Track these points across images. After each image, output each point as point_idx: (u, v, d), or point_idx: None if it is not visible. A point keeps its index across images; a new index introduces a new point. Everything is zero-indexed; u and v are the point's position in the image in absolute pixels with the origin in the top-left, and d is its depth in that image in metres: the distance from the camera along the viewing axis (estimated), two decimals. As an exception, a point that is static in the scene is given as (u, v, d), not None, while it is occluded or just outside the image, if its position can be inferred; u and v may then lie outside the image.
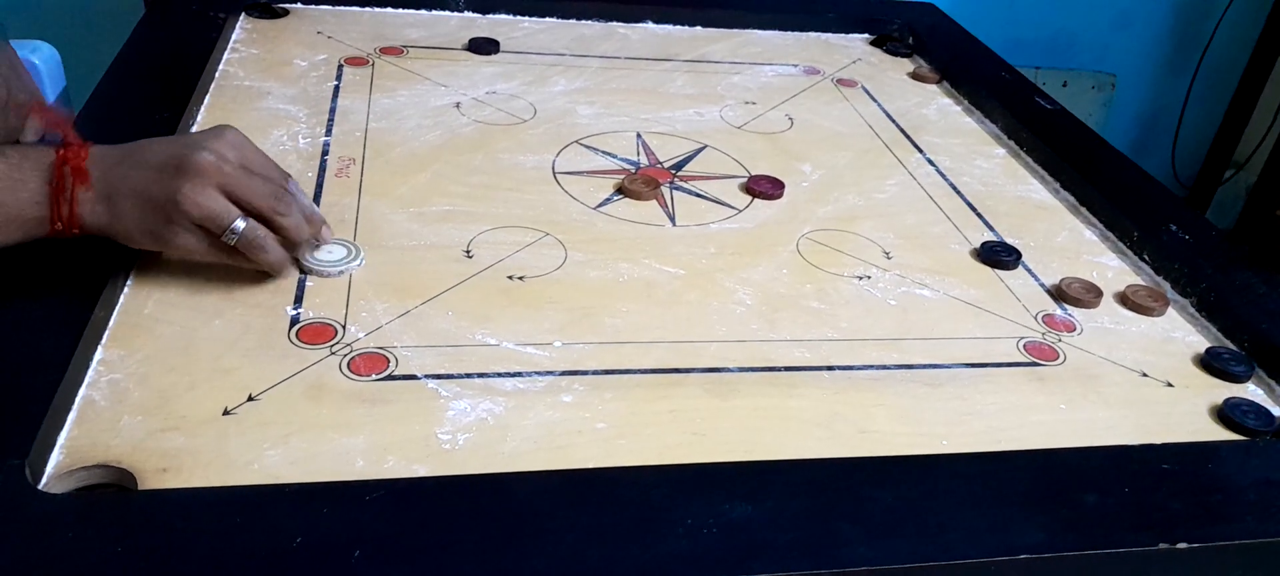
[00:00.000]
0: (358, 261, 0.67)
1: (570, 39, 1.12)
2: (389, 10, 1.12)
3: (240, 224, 0.60)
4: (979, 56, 1.17)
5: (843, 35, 1.24)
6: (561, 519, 0.47)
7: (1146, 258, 0.79)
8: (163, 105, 0.81)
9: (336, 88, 0.93)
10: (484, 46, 1.05)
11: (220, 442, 0.51)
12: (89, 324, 0.56)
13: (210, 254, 0.61)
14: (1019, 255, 0.78)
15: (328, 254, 0.67)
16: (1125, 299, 0.74)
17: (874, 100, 1.06)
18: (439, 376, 0.58)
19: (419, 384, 0.57)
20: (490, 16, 1.15)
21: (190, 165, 0.58)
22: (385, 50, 1.02)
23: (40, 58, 0.98)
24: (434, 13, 1.13)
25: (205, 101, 0.87)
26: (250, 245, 0.61)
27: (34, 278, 0.59)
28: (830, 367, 0.63)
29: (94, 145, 0.59)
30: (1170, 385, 0.66)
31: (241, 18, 1.05)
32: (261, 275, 0.64)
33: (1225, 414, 0.62)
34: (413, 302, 0.64)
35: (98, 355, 0.56)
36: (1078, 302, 0.73)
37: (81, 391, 0.54)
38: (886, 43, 1.22)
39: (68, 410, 0.52)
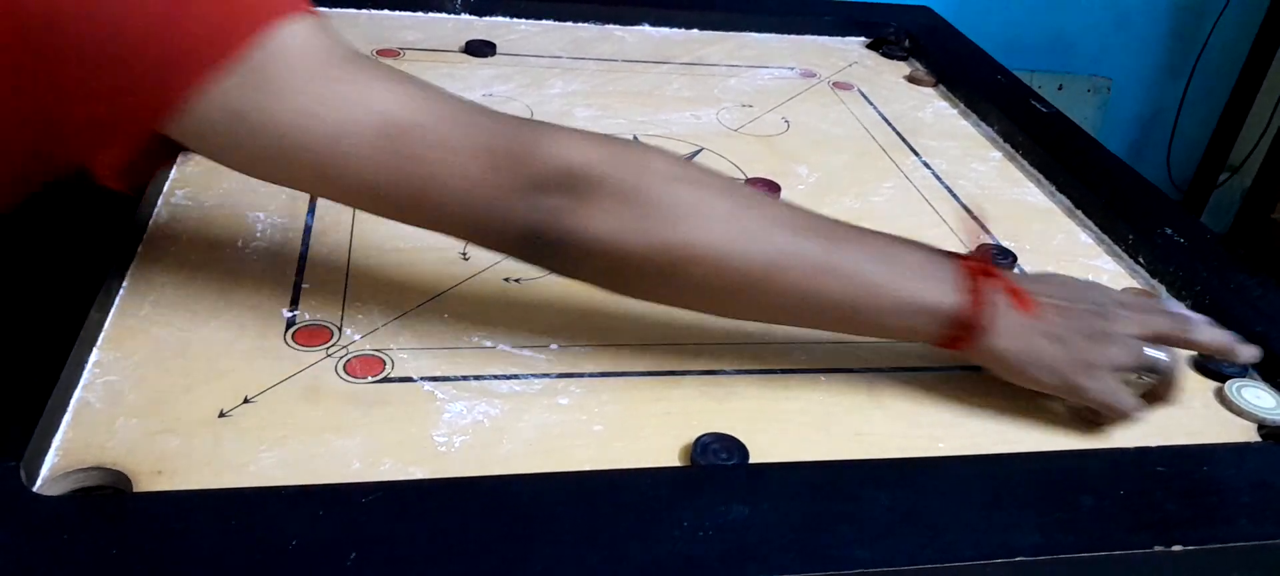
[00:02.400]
0: None
1: (567, 41, 1.12)
2: (385, 12, 1.12)
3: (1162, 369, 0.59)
4: (975, 60, 1.18)
5: (839, 38, 1.24)
6: (558, 521, 0.47)
7: (1142, 260, 0.79)
8: (159, 107, 0.81)
9: (333, 90, 0.93)
10: (481, 49, 1.05)
11: (216, 445, 0.51)
12: (84, 326, 0.56)
13: (1106, 403, 0.58)
14: (1015, 258, 0.78)
15: (1256, 397, 0.63)
16: None
17: (870, 103, 1.06)
18: (435, 379, 0.58)
19: (415, 386, 0.57)
20: (487, 19, 1.15)
21: (1109, 322, 0.57)
22: (382, 52, 1.02)
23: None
24: (430, 15, 1.13)
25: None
26: (1165, 387, 0.59)
27: (29, 279, 0.59)
28: (826, 370, 0.63)
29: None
30: (1166, 387, 0.66)
31: (238, 20, 1.05)
32: (259, 277, 0.64)
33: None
34: (409, 305, 0.64)
35: (93, 357, 0.56)
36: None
37: (77, 393, 0.54)
38: (882, 46, 1.22)
39: (63, 412, 0.52)
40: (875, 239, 0.59)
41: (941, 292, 0.56)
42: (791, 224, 0.57)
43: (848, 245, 0.57)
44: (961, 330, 0.56)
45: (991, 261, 0.61)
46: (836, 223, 0.59)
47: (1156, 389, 0.60)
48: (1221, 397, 0.65)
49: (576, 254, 0.54)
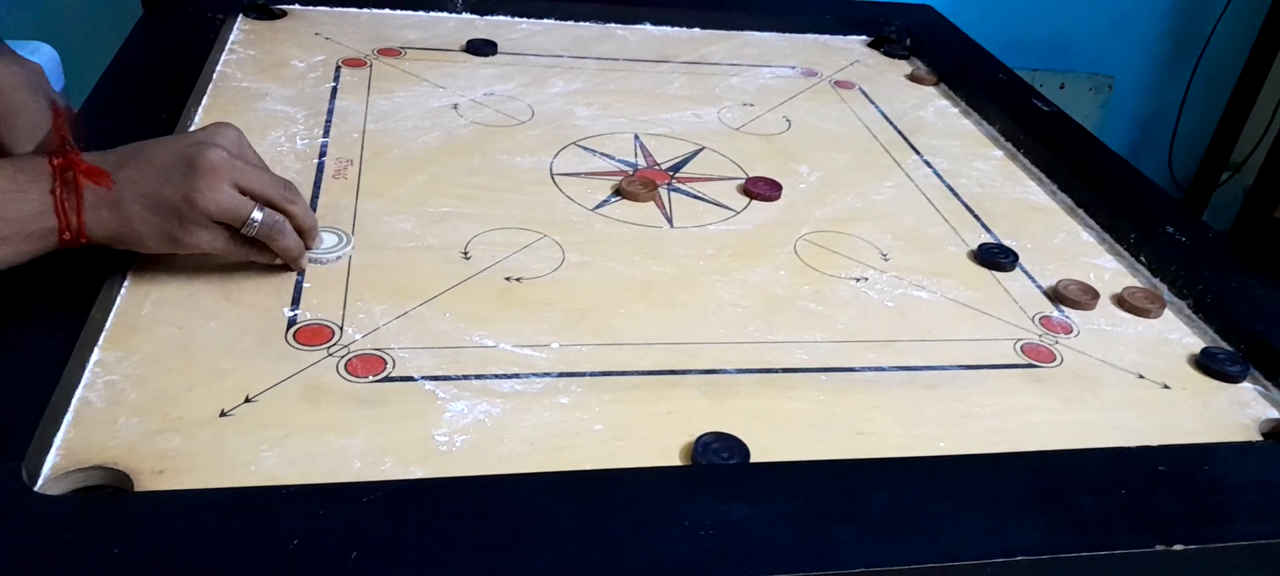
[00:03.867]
0: (349, 247, 0.69)
1: (568, 40, 1.12)
2: (387, 11, 1.12)
3: (258, 215, 0.61)
4: (976, 58, 1.17)
5: (840, 37, 1.24)
6: (559, 520, 0.47)
7: (1143, 259, 0.79)
8: (161, 106, 0.81)
9: (334, 89, 0.93)
10: (482, 48, 1.05)
11: (217, 444, 0.51)
12: (86, 325, 0.56)
13: (228, 249, 0.61)
14: (1016, 257, 0.78)
15: (319, 244, 0.68)
16: (1122, 301, 0.74)
17: (872, 102, 1.06)
18: (436, 378, 0.58)
19: (416, 385, 0.57)
20: (488, 18, 1.15)
21: (201, 163, 0.59)
22: (383, 51, 1.02)
23: (40, 58, 0.98)
24: (432, 14, 1.13)
25: (203, 103, 0.87)
26: (270, 233, 0.62)
27: (31, 279, 0.59)
28: (827, 369, 0.63)
29: (89, 152, 0.59)
30: (1166, 387, 0.66)
31: (239, 19, 1.05)
32: (260, 276, 0.64)
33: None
34: (410, 304, 0.64)
35: (94, 356, 0.56)
36: (1075, 304, 0.73)
37: (78, 393, 0.54)
38: (884, 44, 1.22)
39: (64, 411, 0.52)
40: None
41: (33, 211, 0.56)
42: None
43: None
44: (65, 235, 0.57)
45: (74, 147, 0.58)
46: None
47: (268, 238, 0.62)
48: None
49: None
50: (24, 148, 0.66)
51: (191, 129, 0.81)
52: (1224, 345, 0.70)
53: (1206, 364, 0.67)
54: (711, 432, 0.55)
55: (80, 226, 0.57)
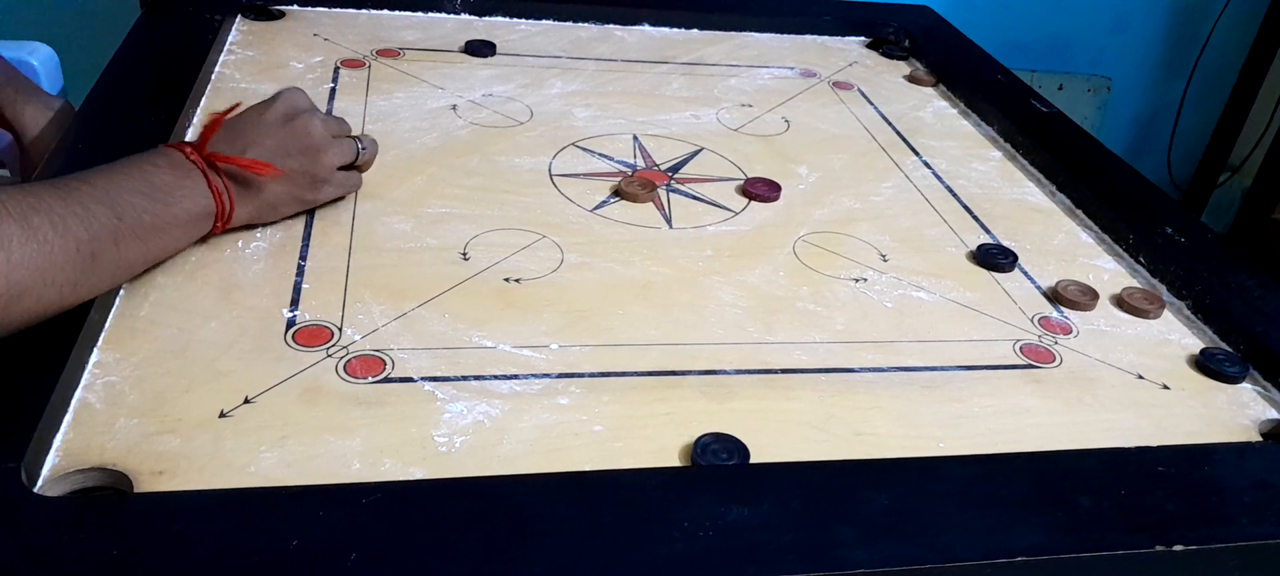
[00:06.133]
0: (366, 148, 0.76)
1: (567, 41, 1.12)
2: (385, 12, 1.12)
3: (361, 143, 0.74)
4: (975, 59, 1.18)
5: (839, 38, 1.24)
6: (558, 522, 0.47)
7: (1143, 260, 0.79)
8: (159, 106, 0.81)
9: (333, 90, 0.93)
10: (480, 49, 1.05)
11: (216, 445, 0.51)
12: (84, 326, 0.56)
13: (342, 187, 0.73)
14: (1015, 258, 0.78)
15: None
16: (1121, 301, 0.74)
17: (870, 103, 1.06)
18: (435, 379, 0.58)
19: (415, 386, 0.57)
20: (487, 19, 1.15)
21: (314, 133, 0.69)
22: (381, 52, 1.02)
23: (38, 58, 0.97)
24: (430, 15, 1.13)
25: (201, 103, 0.87)
26: (369, 152, 0.75)
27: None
28: (826, 370, 0.63)
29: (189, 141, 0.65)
30: (1166, 387, 0.66)
31: (237, 20, 1.05)
32: (259, 278, 0.64)
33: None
34: (409, 305, 0.64)
35: (93, 358, 0.56)
36: (1074, 305, 0.73)
37: (77, 394, 0.54)
38: (882, 45, 1.22)
39: (63, 413, 0.52)
40: (121, 182, 0.58)
41: (201, 206, 0.62)
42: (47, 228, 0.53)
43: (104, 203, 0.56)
44: (218, 223, 0.64)
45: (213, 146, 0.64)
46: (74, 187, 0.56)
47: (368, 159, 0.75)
48: None
49: None
50: None
51: (190, 130, 0.81)
52: (1223, 345, 0.71)
53: (1206, 364, 0.67)
54: (711, 433, 0.55)
55: (231, 213, 0.65)
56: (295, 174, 0.68)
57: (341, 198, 0.74)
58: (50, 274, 0.52)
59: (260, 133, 0.67)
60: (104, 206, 0.55)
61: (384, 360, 0.59)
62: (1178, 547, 0.50)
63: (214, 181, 0.63)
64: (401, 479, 0.50)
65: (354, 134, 0.74)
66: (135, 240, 0.58)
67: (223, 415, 0.53)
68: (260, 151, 0.66)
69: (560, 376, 0.59)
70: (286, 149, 0.67)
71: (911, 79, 1.14)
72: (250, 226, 0.68)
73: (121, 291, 0.62)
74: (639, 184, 0.82)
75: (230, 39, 1.00)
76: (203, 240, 0.65)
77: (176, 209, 0.60)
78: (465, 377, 0.58)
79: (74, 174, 0.57)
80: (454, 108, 0.93)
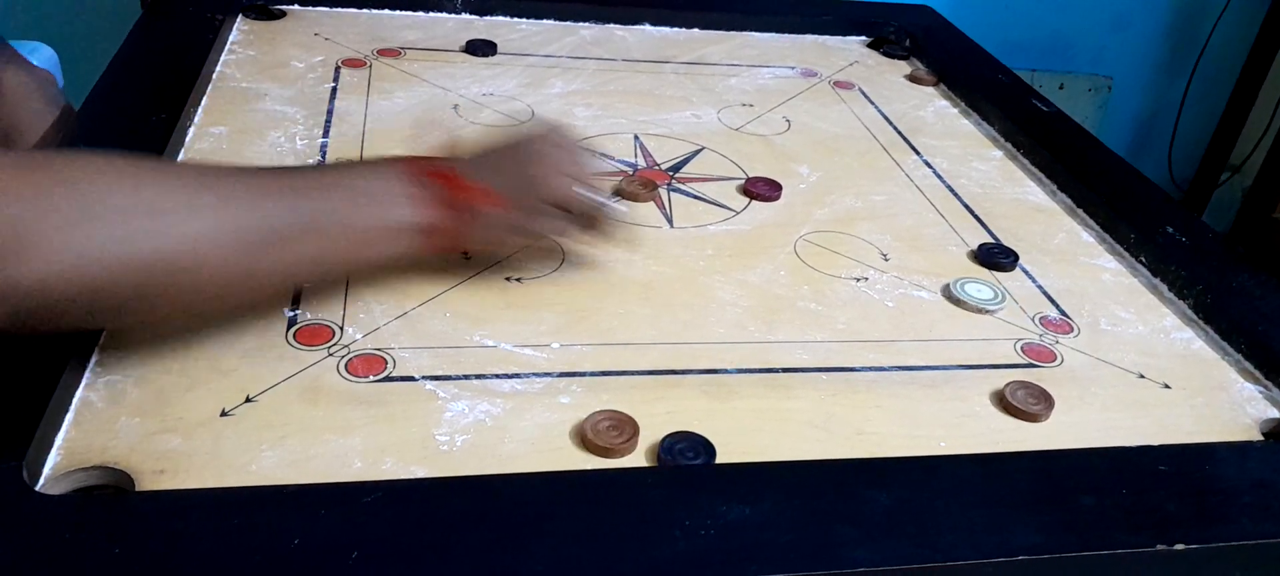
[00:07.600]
0: (1003, 303, 0.72)
1: (568, 41, 1.12)
2: (386, 12, 1.12)
3: (608, 207, 0.68)
4: (976, 59, 1.18)
5: (840, 38, 1.24)
6: (559, 521, 0.47)
7: (1144, 260, 0.79)
8: (160, 106, 0.81)
9: (334, 89, 0.93)
10: (481, 48, 1.05)
11: (217, 444, 0.51)
12: (86, 325, 0.56)
13: (550, 230, 0.67)
14: (1016, 257, 0.78)
15: (977, 290, 0.72)
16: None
17: (871, 102, 1.06)
18: (437, 378, 0.58)
19: (417, 385, 0.57)
20: (488, 18, 1.15)
21: (543, 160, 0.65)
22: (382, 52, 1.02)
23: (38, 58, 0.97)
24: (431, 14, 1.13)
25: (202, 103, 0.87)
26: (605, 218, 0.68)
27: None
28: (827, 369, 0.63)
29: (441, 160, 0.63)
30: (1167, 387, 0.66)
31: (238, 19, 1.05)
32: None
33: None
34: (410, 304, 0.64)
35: (95, 356, 0.56)
36: (1021, 414, 0.61)
37: (79, 392, 0.54)
38: (883, 45, 1.22)
39: (65, 411, 0.52)
40: (335, 180, 0.59)
41: (409, 215, 0.59)
42: (249, 197, 0.54)
43: (314, 196, 0.57)
44: (441, 239, 0.61)
45: (446, 164, 0.62)
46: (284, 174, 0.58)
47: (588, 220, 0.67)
48: (947, 294, 0.72)
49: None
50: None
51: (191, 130, 0.81)
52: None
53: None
54: (676, 433, 0.55)
55: (459, 237, 0.63)
56: (510, 191, 0.63)
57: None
58: (215, 252, 0.51)
59: (497, 165, 0.64)
60: (293, 199, 0.55)
61: (385, 359, 0.59)
62: (1179, 547, 0.50)
63: (419, 193, 0.59)
64: (402, 478, 0.50)
65: (605, 199, 0.68)
66: (318, 237, 0.56)
67: (224, 414, 0.53)
68: (492, 174, 0.63)
69: (561, 375, 0.59)
70: (514, 189, 0.63)
71: (912, 78, 1.14)
72: (471, 247, 0.67)
73: (123, 290, 0.62)
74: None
75: (231, 39, 1.00)
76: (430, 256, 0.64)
77: (376, 215, 0.58)
78: (466, 376, 0.58)
79: (273, 166, 0.56)
80: (455, 107, 0.93)
